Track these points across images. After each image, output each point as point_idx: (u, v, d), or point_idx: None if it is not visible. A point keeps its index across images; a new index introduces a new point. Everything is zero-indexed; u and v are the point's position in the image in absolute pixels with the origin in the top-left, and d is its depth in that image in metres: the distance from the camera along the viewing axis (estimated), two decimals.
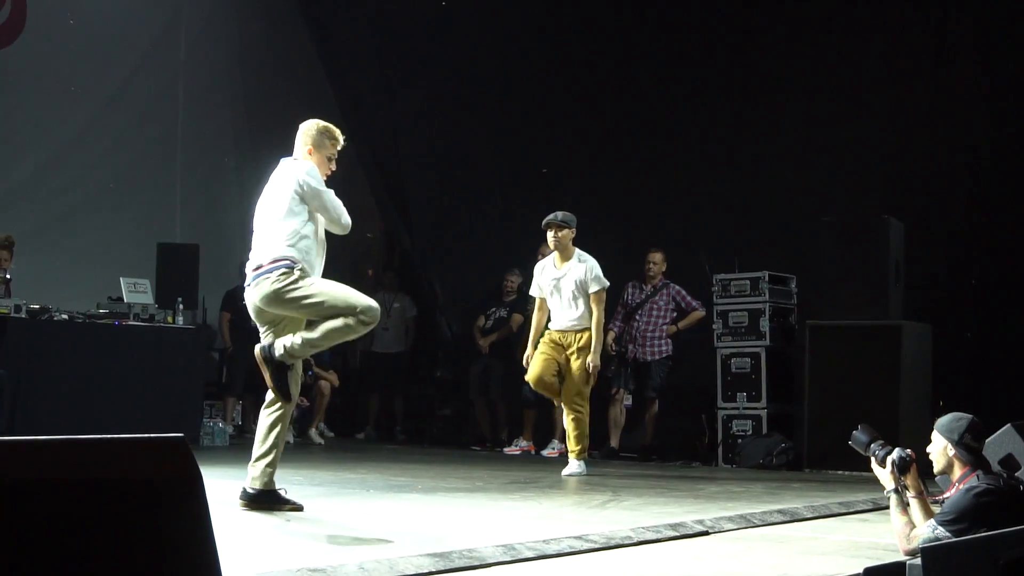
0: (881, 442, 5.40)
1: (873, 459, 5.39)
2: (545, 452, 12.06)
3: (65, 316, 10.68)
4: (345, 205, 15.71)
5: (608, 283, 9.87)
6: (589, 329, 9.72)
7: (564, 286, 9.79)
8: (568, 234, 9.83)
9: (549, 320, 9.96)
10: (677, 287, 12.05)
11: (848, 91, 12.02)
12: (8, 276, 10.63)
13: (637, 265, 12.13)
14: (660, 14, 13.23)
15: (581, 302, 9.74)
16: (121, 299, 11.18)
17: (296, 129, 7.34)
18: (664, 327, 11.99)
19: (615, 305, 12.23)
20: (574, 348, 9.70)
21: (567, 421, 9.86)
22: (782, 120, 12.22)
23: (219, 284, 13.76)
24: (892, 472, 5.29)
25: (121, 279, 11.30)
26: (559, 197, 13.65)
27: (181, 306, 11.60)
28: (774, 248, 11.87)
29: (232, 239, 14.96)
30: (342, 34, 15.48)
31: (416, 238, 15.30)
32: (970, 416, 5.24)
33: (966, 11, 11.58)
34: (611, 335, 12.08)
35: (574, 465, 9.63)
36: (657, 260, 12.01)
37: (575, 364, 9.67)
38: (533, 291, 10.08)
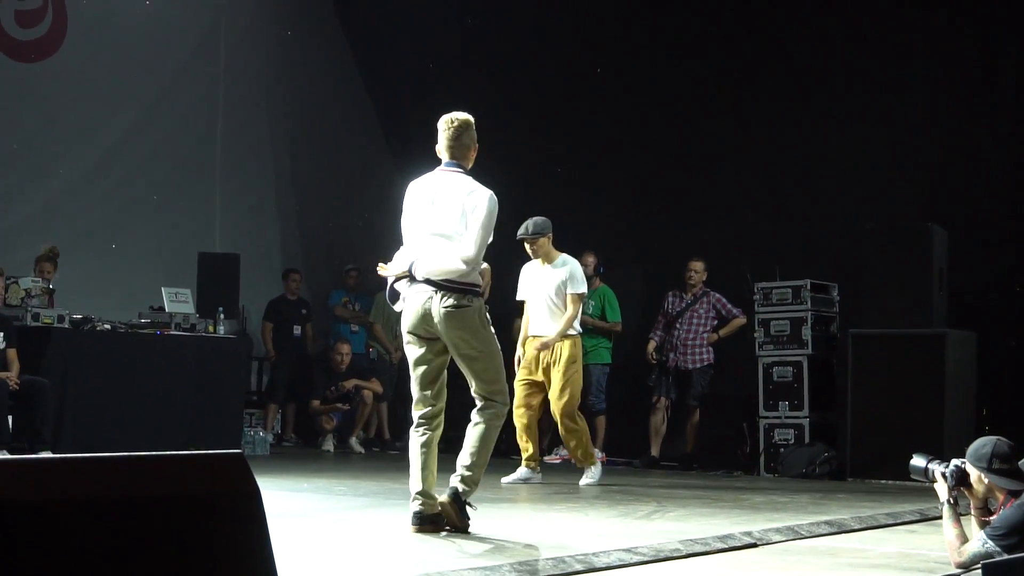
0: (938, 460, 5.37)
1: (931, 479, 5.37)
2: None
3: (108, 326, 10.74)
4: (385, 215, 15.78)
5: (585, 289, 9.80)
6: (568, 339, 9.63)
7: (543, 290, 9.66)
8: (544, 242, 9.62)
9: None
10: (717, 295, 12.02)
11: (891, 97, 11.93)
12: (52, 287, 10.70)
13: (678, 274, 12.10)
14: (698, 20, 13.19)
15: (557, 309, 9.61)
16: (162, 309, 11.24)
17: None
18: (705, 335, 11.96)
19: (656, 314, 12.22)
20: (556, 358, 9.60)
21: (564, 440, 9.81)
22: (824, 126, 12.15)
23: (259, 293, 13.84)
24: (948, 483, 5.26)
25: (163, 289, 11.36)
26: (598, 204, 13.67)
27: (222, 315, 11.64)
28: (816, 256, 11.80)
29: (271, 248, 15.04)
30: (380, 40, 15.50)
31: None
32: (995, 438, 5.20)
33: (1010, 14, 11.49)
34: (651, 344, 12.07)
35: (589, 473, 9.63)
36: (698, 269, 11.99)
37: (557, 374, 9.57)
38: (519, 295, 9.86)
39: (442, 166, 6.51)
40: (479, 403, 6.38)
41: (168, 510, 2.93)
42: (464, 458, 6.30)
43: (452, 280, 6.18)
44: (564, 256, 9.73)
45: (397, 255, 6.46)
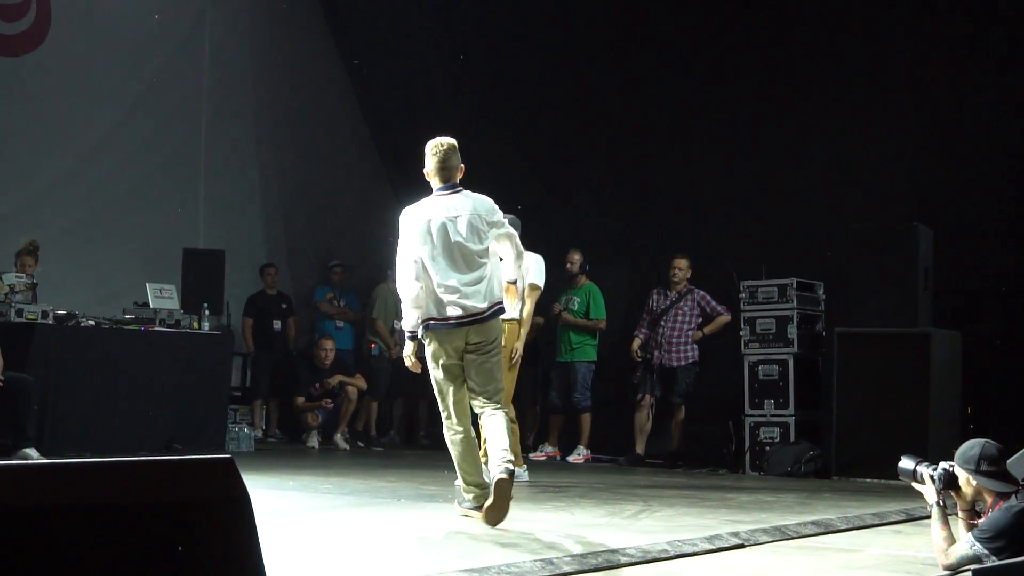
0: (926, 462, 5.37)
1: (919, 480, 5.36)
2: (571, 458, 12.03)
3: (92, 322, 10.70)
4: (370, 208, 15.75)
5: (539, 281, 9.37)
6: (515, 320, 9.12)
7: None
8: None
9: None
10: (702, 292, 12.02)
11: (877, 96, 11.94)
12: (35, 282, 10.64)
13: (663, 271, 12.09)
14: (685, 19, 13.17)
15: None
16: (147, 304, 11.20)
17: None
18: (690, 333, 11.96)
19: (640, 312, 12.22)
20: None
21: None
22: (810, 125, 12.14)
23: (244, 289, 13.80)
24: (936, 486, 5.25)
25: (147, 284, 11.31)
26: (583, 202, 13.66)
27: (207, 311, 11.60)
28: (802, 254, 11.80)
29: (255, 244, 14.98)
30: (365, 37, 15.46)
31: None
32: (983, 441, 5.20)
33: (997, 12, 11.50)
34: (636, 342, 12.06)
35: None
36: (682, 266, 11.98)
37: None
38: None
39: (442, 189, 6.76)
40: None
41: (157, 515, 2.92)
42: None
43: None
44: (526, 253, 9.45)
45: (407, 290, 6.68)
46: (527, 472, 9.58)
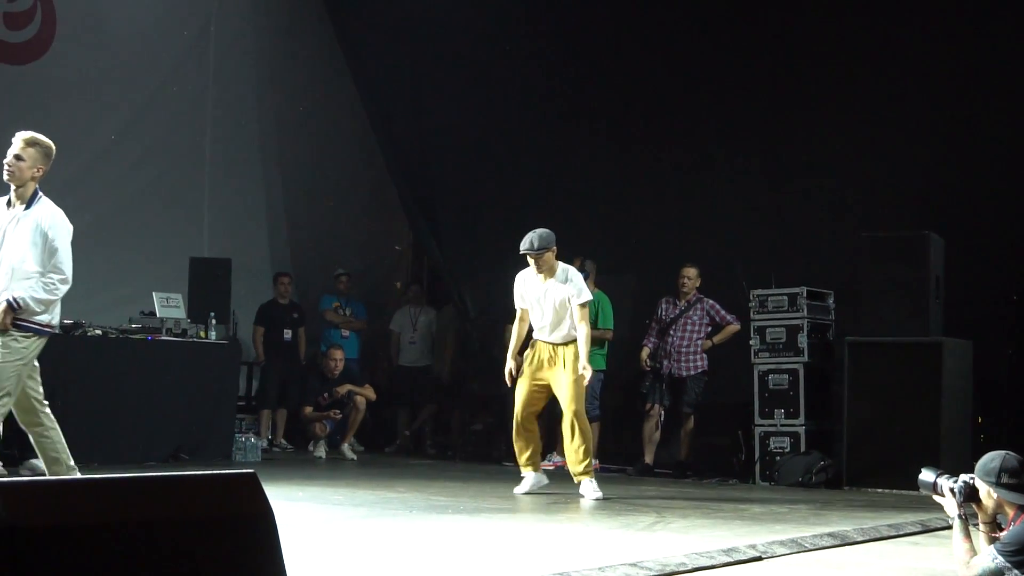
0: (947, 475, 5.31)
1: (940, 493, 5.31)
2: None
3: (99, 331, 10.66)
4: (376, 217, 15.73)
5: (592, 297, 9.58)
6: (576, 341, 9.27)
7: (549, 302, 9.29)
8: (549, 256, 9.26)
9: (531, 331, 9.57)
10: (711, 301, 11.95)
11: (889, 104, 11.91)
12: None
13: (671, 281, 12.03)
14: (693, 26, 13.14)
15: (567, 317, 9.25)
16: (154, 314, 11.15)
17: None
18: (699, 342, 11.89)
19: (649, 321, 12.16)
20: (562, 360, 9.24)
21: (571, 438, 9.21)
22: (821, 134, 12.11)
23: (249, 298, 13.72)
24: (956, 499, 5.20)
25: (154, 294, 11.27)
26: (591, 210, 13.61)
27: (213, 321, 11.56)
28: (812, 263, 11.75)
29: (261, 253, 14.93)
30: (373, 47, 15.41)
31: (445, 251, 15.22)
32: (1003, 453, 5.15)
33: (1007, 21, 11.47)
34: (645, 351, 12.00)
35: (591, 486, 9.10)
36: (691, 275, 11.91)
37: (568, 376, 9.19)
38: (516, 303, 9.51)
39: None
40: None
41: (182, 532, 2.88)
42: None
43: None
44: (564, 266, 9.41)
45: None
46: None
